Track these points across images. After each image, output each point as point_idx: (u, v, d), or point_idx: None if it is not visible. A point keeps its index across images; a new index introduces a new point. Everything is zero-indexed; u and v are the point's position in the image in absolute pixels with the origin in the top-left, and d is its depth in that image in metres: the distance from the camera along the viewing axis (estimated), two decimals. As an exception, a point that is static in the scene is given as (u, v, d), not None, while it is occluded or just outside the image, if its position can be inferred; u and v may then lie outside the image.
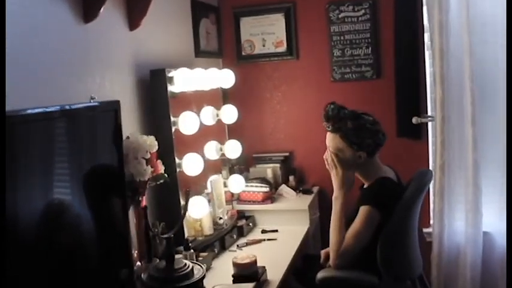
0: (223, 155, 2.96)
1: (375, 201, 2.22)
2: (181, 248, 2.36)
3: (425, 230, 3.23)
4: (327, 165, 2.37)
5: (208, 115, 2.86)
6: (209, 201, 2.73)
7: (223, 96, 3.36)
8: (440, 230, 3.04)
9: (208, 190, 2.81)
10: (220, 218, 2.74)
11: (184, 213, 2.32)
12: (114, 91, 2.25)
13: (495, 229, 3.04)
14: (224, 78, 2.95)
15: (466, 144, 2.95)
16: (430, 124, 3.25)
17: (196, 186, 2.75)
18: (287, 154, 3.49)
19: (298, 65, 3.47)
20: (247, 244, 2.78)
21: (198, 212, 2.50)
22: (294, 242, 2.77)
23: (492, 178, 3.00)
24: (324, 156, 2.38)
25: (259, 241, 2.82)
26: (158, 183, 2.32)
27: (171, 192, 2.47)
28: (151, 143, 2.21)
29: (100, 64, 2.18)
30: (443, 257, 3.07)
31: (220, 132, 3.09)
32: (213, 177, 2.86)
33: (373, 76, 3.31)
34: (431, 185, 2.86)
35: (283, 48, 3.44)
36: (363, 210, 2.22)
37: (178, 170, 2.48)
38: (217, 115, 2.92)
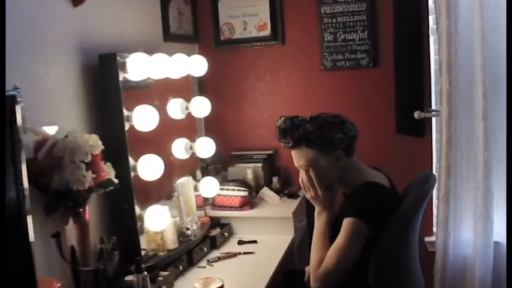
0: (194, 154, 2.57)
1: (360, 211, 1.84)
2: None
3: (427, 239, 2.90)
4: (304, 190, 2.05)
5: (176, 108, 2.47)
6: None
7: (198, 87, 2.98)
8: (445, 239, 2.72)
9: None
10: (188, 229, 2.35)
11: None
12: (48, 79, 1.84)
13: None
14: (195, 65, 2.54)
15: (476, 142, 2.62)
16: (434, 119, 2.91)
17: (160, 191, 2.36)
18: (271, 152, 3.11)
19: (284, 51, 3.09)
20: (219, 259, 2.40)
21: (156, 224, 2.11)
22: (275, 256, 2.41)
23: (504, 180, 2.64)
24: (300, 180, 2.04)
25: (235, 255, 2.44)
26: (108, 190, 1.93)
27: (125, 201, 2.07)
28: (93, 143, 1.80)
29: (30, 46, 1.77)
30: (448, 271, 2.75)
31: (191, 128, 2.68)
32: (181, 180, 2.46)
33: (370, 64, 2.95)
34: (434, 189, 2.51)
35: (266, 32, 3.07)
36: (346, 223, 1.85)
37: (133, 174, 2.08)
38: (187, 108, 2.52)
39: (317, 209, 2.02)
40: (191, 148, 2.55)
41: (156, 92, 2.39)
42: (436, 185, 2.52)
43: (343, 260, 1.83)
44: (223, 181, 2.83)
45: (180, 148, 2.51)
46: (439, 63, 2.62)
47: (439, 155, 2.69)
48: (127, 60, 2.04)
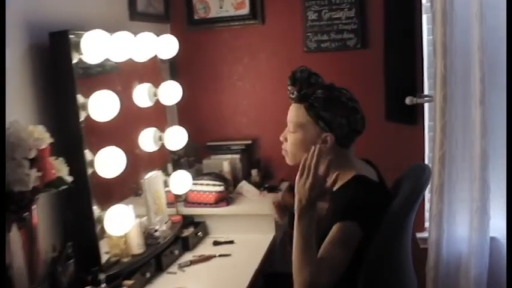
0: (163, 145, 2.31)
1: (351, 213, 1.57)
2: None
3: (418, 235, 2.71)
4: (300, 175, 1.59)
5: (143, 95, 2.21)
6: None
7: (170, 71, 2.71)
8: (438, 235, 2.53)
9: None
10: (156, 230, 2.10)
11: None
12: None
13: (504, 234, 2.50)
14: (163, 46, 2.26)
15: (473, 130, 2.42)
16: (427, 106, 2.70)
17: (124, 188, 2.11)
18: (249, 142, 2.87)
19: (264, 31, 2.84)
20: (191, 263, 2.15)
21: (118, 227, 1.85)
22: (254, 258, 2.18)
23: (501, 170, 2.46)
24: (301, 164, 1.60)
25: (209, 258, 2.20)
26: (60, 189, 1.67)
27: (81, 202, 1.81)
28: (39, 135, 1.54)
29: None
30: (441, 269, 2.58)
31: (161, 116, 2.41)
32: (148, 176, 2.21)
33: (357, 45, 2.72)
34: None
35: (245, 10, 2.81)
36: (338, 228, 1.56)
37: (91, 170, 1.82)
38: (155, 94, 2.26)
39: (301, 207, 1.61)
40: (160, 139, 2.29)
41: (120, 77, 2.12)
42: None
43: (336, 273, 1.55)
44: (197, 175, 2.58)
45: (147, 139, 2.25)
46: (433, 44, 2.41)
47: (433, 143, 2.49)
48: (82, 39, 1.76)
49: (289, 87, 1.74)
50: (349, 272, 1.58)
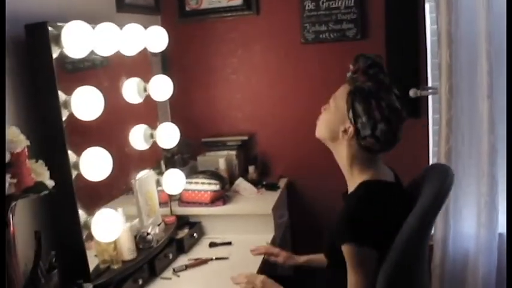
0: (155, 143, 2.19)
1: (357, 234, 1.45)
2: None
3: None
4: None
5: (132, 90, 2.09)
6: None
7: (162, 65, 2.59)
8: (445, 232, 2.46)
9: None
10: (148, 234, 1.98)
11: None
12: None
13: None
14: (152, 38, 2.14)
15: (480, 124, 2.33)
16: (431, 98, 2.57)
17: (112, 190, 1.99)
18: (246, 138, 2.73)
19: (259, 22, 2.71)
20: (187, 267, 2.03)
21: (106, 233, 1.73)
22: (253, 260, 2.06)
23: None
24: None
25: (205, 261, 2.08)
26: (42, 195, 1.55)
27: (65, 207, 1.69)
28: (13, 138, 1.41)
29: None
30: (447, 267, 2.50)
31: (152, 113, 2.29)
32: (140, 175, 2.09)
33: (357, 36, 2.58)
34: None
35: (238, 0, 2.68)
36: (347, 252, 1.47)
37: (76, 172, 1.69)
38: (146, 90, 2.13)
39: None
40: (152, 136, 2.17)
41: (108, 71, 2.00)
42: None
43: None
44: (192, 173, 2.46)
45: (138, 137, 2.13)
46: (438, 34, 2.30)
47: (438, 138, 2.39)
48: (62, 31, 1.63)
49: (350, 65, 1.64)
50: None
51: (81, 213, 1.73)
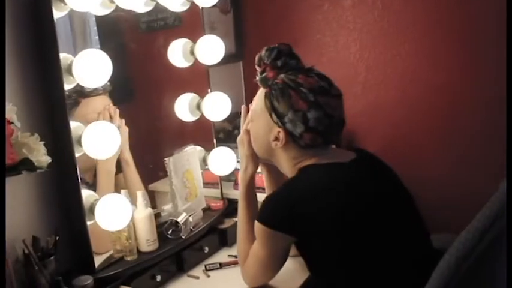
0: (202, 115, 1.87)
1: (267, 216, 1.35)
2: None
3: None
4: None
5: (177, 52, 1.78)
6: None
7: (234, 25, 2.25)
8: None
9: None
10: (177, 222, 1.69)
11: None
12: None
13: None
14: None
15: None
16: None
17: (143, 169, 1.73)
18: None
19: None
20: (221, 266, 1.71)
21: (111, 221, 1.47)
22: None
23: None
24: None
25: (246, 260, 1.74)
26: (38, 172, 1.34)
27: (66, 186, 1.47)
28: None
29: None
30: None
31: (201, 79, 1.94)
32: (177, 152, 1.81)
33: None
34: None
35: None
36: (255, 227, 1.39)
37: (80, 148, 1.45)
38: (193, 52, 1.81)
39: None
40: (198, 107, 1.85)
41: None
42: None
43: (266, 270, 1.46)
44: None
45: (184, 107, 1.83)
46: None
47: None
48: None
49: (256, 66, 1.45)
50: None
51: (89, 195, 1.49)
